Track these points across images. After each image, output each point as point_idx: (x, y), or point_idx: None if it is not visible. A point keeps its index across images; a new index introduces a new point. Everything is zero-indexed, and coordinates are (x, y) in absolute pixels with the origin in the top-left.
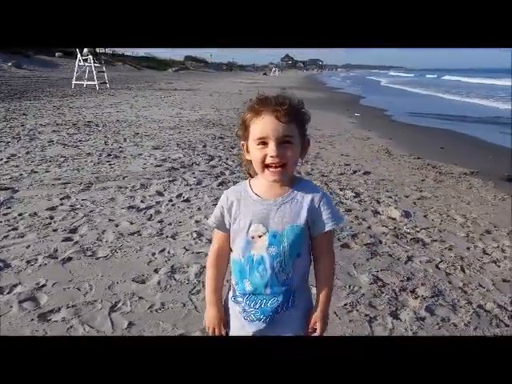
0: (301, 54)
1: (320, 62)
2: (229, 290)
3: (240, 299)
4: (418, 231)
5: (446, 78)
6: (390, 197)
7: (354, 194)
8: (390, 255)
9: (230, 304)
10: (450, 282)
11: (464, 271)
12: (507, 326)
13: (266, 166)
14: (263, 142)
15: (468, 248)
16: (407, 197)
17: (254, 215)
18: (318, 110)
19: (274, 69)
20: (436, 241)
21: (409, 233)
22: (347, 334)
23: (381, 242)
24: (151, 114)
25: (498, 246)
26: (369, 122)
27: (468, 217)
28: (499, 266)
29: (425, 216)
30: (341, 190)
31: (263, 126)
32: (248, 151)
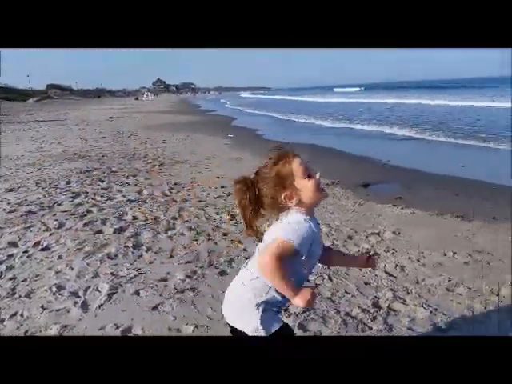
0: (173, 77)
1: (192, 85)
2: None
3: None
4: None
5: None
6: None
7: (230, 217)
8: None
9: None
10: (319, 294)
11: (331, 280)
12: (370, 328)
13: (321, 190)
14: (309, 175)
15: None
16: None
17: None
18: (193, 133)
19: (146, 93)
20: None
21: None
22: None
23: None
24: (7, 152)
25: (358, 250)
26: (242, 143)
27: (332, 225)
28: (361, 269)
29: None
30: (217, 213)
31: (300, 165)
32: (295, 194)
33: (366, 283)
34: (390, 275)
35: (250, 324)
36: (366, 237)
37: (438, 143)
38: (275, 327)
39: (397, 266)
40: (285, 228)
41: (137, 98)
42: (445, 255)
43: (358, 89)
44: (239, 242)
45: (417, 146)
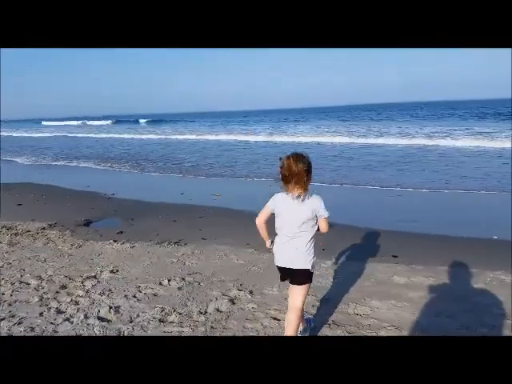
0: None
1: None
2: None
3: None
4: None
5: None
6: None
7: None
8: None
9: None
10: None
11: None
12: None
13: None
14: None
15: (41, 313)
16: None
17: None
18: None
19: None
20: (4, 319)
21: None
22: None
23: None
24: None
25: (71, 300)
26: None
27: (43, 277)
28: (72, 322)
29: None
30: None
31: None
32: (308, 181)
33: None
34: (104, 320)
35: (311, 262)
36: (82, 282)
37: (157, 176)
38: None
39: (111, 308)
40: (322, 203)
41: None
42: (160, 284)
43: (79, 122)
44: None
45: (140, 178)
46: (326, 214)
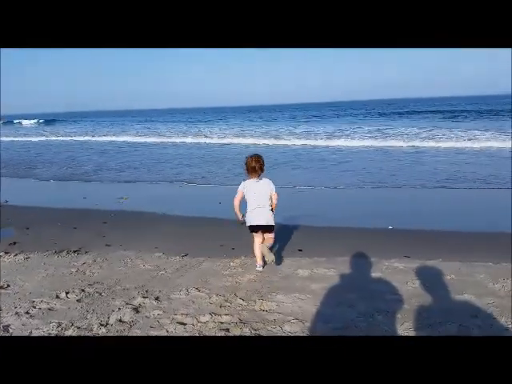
0: None
1: None
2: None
3: None
4: None
5: None
6: None
7: None
8: None
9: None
10: None
11: None
12: None
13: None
14: None
15: None
16: None
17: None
18: None
19: None
20: None
21: None
22: None
23: None
24: None
25: None
26: None
27: None
28: None
29: None
30: None
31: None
32: (262, 170)
33: None
34: None
35: (273, 220)
36: None
37: (56, 181)
38: None
39: None
40: (272, 183)
41: None
42: (57, 297)
43: None
44: None
45: (37, 184)
46: (274, 190)
